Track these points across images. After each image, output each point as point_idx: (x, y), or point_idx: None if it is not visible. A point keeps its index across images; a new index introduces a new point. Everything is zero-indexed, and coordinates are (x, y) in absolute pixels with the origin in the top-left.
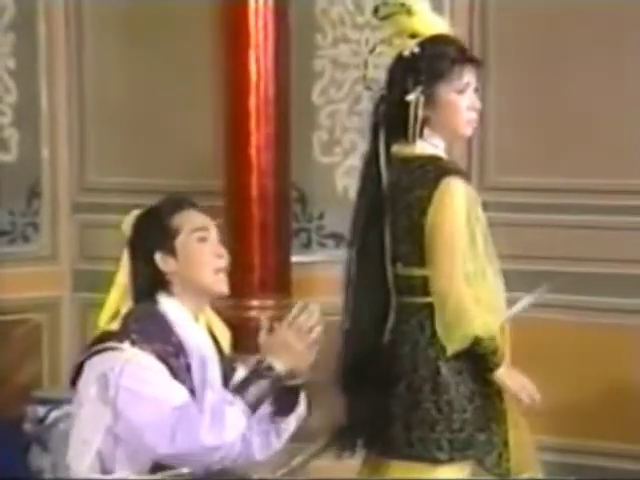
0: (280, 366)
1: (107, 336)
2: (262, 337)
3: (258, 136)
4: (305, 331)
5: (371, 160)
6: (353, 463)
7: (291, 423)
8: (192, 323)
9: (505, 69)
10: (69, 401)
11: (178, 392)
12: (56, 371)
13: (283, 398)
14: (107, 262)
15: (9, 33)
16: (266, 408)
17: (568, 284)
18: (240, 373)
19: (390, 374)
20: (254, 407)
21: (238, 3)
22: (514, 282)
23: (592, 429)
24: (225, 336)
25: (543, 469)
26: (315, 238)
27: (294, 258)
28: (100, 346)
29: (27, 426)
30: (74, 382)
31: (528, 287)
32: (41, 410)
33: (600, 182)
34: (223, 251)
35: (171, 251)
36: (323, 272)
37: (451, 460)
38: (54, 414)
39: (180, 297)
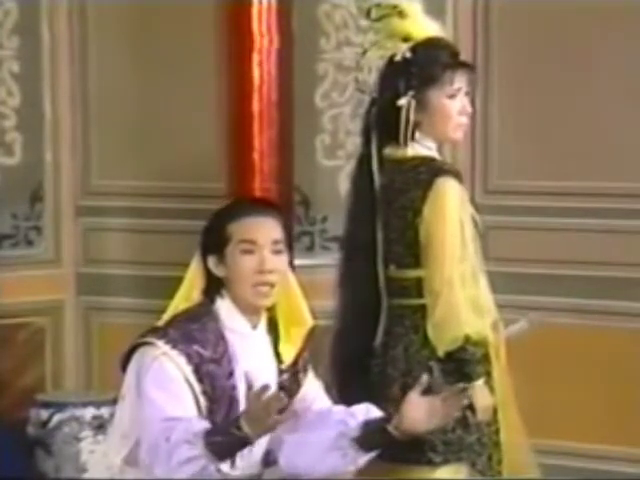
0: (247, 430)
1: (151, 330)
2: (251, 397)
3: (261, 139)
4: (273, 410)
5: (363, 162)
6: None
7: (360, 458)
8: (248, 330)
9: (508, 74)
10: (72, 404)
11: (182, 406)
12: (59, 375)
13: (376, 438)
14: (111, 265)
15: (13, 36)
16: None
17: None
18: (306, 390)
19: (384, 376)
20: (219, 455)
21: (241, 7)
22: (518, 285)
23: (597, 433)
24: (302, 326)
25: (551, 472)
26: (318, 241)
27: (297, 261)
28: (142, 339)
29: (30, 429)
30: (124, 369)
31: (531, 290)
32: (44, 413)
33: (604, 185)
34: (271, 267)
35: (221, 257)
36: (326, 275)
37: (446, 462)
38: (57, 417)
39: (234, 302)
